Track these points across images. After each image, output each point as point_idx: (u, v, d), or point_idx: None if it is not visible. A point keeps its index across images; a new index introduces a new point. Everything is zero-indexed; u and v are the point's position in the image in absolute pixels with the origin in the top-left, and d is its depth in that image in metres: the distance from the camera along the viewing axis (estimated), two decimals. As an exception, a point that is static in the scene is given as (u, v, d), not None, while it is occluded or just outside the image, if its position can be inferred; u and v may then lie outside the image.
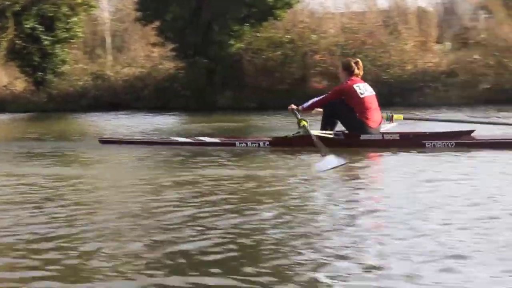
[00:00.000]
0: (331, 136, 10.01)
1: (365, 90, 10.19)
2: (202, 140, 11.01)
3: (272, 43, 21.76)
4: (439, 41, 22.07)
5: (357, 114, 10.05)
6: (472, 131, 9.90)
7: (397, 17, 22.05)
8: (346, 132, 10.15)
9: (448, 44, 22.14)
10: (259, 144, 10.54)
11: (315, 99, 10.39)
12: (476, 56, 19.92)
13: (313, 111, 10.48)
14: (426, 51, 20.98)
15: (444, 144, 9.69)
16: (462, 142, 9.68)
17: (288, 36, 21.79)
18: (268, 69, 21.29)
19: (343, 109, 10.12)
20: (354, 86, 10.14)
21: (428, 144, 9.77)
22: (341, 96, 10.17)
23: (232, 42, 21.58)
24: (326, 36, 21.60)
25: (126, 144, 11.33)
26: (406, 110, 16.76)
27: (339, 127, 10.32)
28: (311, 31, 21.79)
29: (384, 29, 21.47)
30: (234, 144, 10.67)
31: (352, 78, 10.24)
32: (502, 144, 9.52)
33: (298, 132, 10.10)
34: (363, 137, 9.98)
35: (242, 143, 10.67)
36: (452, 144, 9.67)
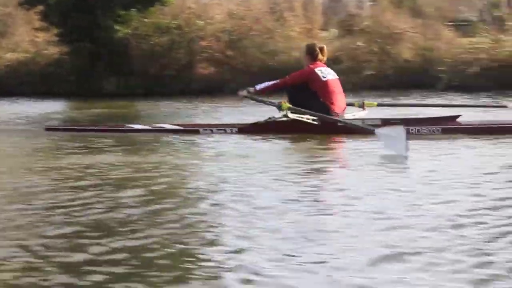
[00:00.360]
0: (309, 121, 9.53)
1: (327, 73, 9.88)
2: (161, 127, 10.48)
3: (159, 29, 21.61)
4: (324, 28, 22.34)
5: (321, 99, 9.70)
6: (458, 116, 9.68)
7: (283, 4, 22.19)
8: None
9: (333, 31, 22.43)
10: (225, 130, 10.01)
11: (271, 82, 9.99)
12: (359, 43, 20.28)
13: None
14: (312, 38, 21.17)
15: (430, 130, 9.39)
16: (449, 127, 9.41)
17: (175, 22, 21.67)
18: (155, 55, 21.13)
19: (304, 94, 9.69)
20: (316, 70, 9.81)
21: (412, 129, 9.25)
22: (301, 81, 9.78)
23: (118, 27, 21.33)
24: (213, 22, 21.59)
25: (76, 132, 10.66)
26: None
27: None
28: (197, 17, 21.75)
29: (271, 15, 21.58)
30: (198, 131, 10.14)
31: (315, 62, 9.92)
32: (489, 129, 9.28)
33: (270, 118, 9.71)
34: (342, 123, 9.53)
35: (207, 129, 10.16)
36: (438, 130, 9.37)
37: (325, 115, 9.53)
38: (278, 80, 9.97)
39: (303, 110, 9.57)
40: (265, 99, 9.94)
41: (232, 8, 22.39)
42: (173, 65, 20.90)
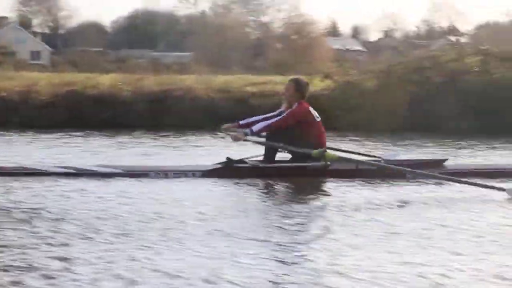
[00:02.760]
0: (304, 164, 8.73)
1: (316, 115, 9.11)
2: (93, 171, 8.66)
3: None
4: None
5: (311, 140, 8.75)
6: (444, 160, 9.29)
7: None
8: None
9: None
10: (194, 173, 8.66)
11: (264, 123, 8.88)
12: None
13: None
14: None
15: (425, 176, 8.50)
16: (446, 172, 8.70)
17: None
18: None
19: (291, 134, 8.79)
20: (310, 109, 9.04)
21: (409, 175, 8.61)
22: (296, 122, 8.86)
23: None
24: None
25: None
26: None
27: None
28: None
29: None
30: (146, 175, 8.57)
31: (304, 101, 9.08)
32: (485, 173, 8.88)
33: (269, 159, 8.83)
34: (333, 166, 8.66)
35: (160, 173, 8.63)
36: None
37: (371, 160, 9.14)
38: (271, 121, 8.90)
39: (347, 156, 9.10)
40: (294, 148, 8.72)
41: None
42: None
